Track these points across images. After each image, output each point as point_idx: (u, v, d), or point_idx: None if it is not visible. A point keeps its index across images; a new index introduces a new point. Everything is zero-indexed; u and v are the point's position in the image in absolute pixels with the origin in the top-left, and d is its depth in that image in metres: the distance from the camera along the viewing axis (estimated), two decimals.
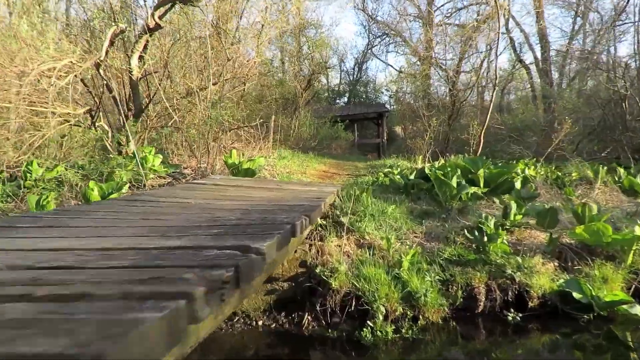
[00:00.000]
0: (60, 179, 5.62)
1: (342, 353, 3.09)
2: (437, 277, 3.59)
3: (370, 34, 29.61)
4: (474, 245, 4.05)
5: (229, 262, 1.02)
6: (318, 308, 3.44)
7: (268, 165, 8.42)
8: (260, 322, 3.47)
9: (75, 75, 7.12)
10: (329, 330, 3.32)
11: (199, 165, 7.73)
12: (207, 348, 3.04)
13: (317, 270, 3.55)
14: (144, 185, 5.42)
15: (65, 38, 7.12)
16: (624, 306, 3.37)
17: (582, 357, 3.13)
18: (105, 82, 7.33)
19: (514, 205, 4.56)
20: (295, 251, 3.67)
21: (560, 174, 7.48)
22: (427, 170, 6.40)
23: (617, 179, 6.70)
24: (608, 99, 13.54)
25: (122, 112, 7.64)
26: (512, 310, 3.54)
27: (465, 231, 4.16)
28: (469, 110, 19.50)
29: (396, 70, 27.23)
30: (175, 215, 2.18)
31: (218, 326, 2.70)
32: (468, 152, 11.13)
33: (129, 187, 5.63)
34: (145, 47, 7.86)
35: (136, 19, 9.17)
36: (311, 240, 3.90)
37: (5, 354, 0.54)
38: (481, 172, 5.91)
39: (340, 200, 4.85)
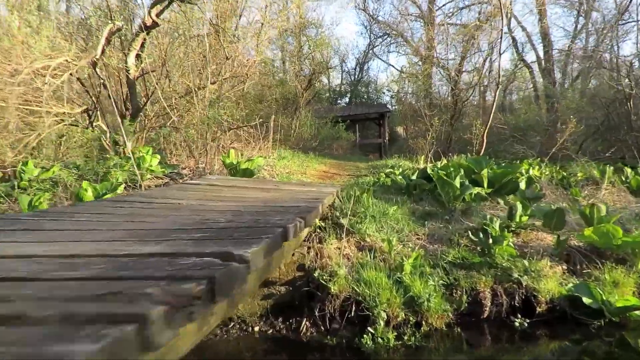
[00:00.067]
0: (55, 180, 5.53)
1: None
2: (441, 281, 3.45)
3: (371, 34, 29.57)
4: (478, 248, 3.90)
5: (203, 272, 0.88)
6: (317, 313, 3.30)
7: (267, 165, 8.29)
8: (256, 328, 3.33)
9: (71, 74, 7.02)
10: (328, 337, 3.18)
11: (197, 166, 7.60)
12: (200, 355, 2.90)
13: (316, 274, 3.40)
14: (140, 186, 5.28)
15: (60, 36, 6.98)
16: (637, 312, 3.21)
17: None
18: (102, 81, 7.22)
19: (519, 206, 4.41)
20: (293, 254, 3.53)
21: (565, 174, 7.33)
22: (429, 171, 6.26)
23: (624, 179, 6.54)
24: (612, 98, 13.38)
25: (118, 111, 7.53)
26: (519, 315, 3.39)
27: (470, 233, 4.01)
28: (471, 110, 19.37)
29: (397, 70, 27.17)
30: (162, 217, 2.04)
31: (204, 337, 2.56)
32: (470, 152, 10.99)
33: (125, 187, 5.52)
34: (142, 45, 7.75)
35: (134, 18, 9.05)
36: (310, 243, 3.76)
37: None
38: (485, 172, 5.75)
39: (340, 201, 4.71)
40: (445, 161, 8.69)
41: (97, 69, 7.10)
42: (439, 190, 5.33)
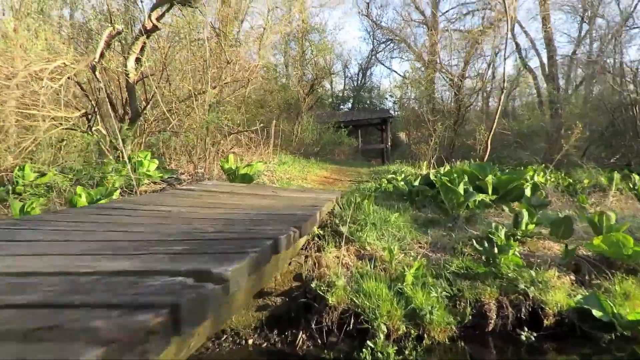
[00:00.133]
0: (50, 185, 5.45)
1: None
2: (444, 292, 3.30)
3: (374, 40, 29.59)
4: (483, 257, 3.75)
5: (167, 298, 0.76)
6: (313, 326, 3.16)
7: (268, 170, 8.18)
8: (250, 341, 3.19)
9: (70, 78, 6.94)
10: (325, 351, 3.03)
11: (196, 171, 7.50)
12: None
13: (313, 285, 3.26)
14: (135, 192, 5.18)
15: (59, 39, 6.92)
16: None
17: None
18: (101, 84, 7.14)
19: (525, 214, 4.26)
20: (290, 263, 3.40)
21: (572, 180, 7.17)
22: (432, 177, 6.12)
23: (632, 186, 6.38)
24: (617, 104, 13.24)
25: (117, 115, 7.45)
26: (525, 328, 3.23)
27: (474, 242, 3.86)
28: (474, 115, 19.25)
29: (400, 75, 27.10)
30: (146, 226, 1.92)
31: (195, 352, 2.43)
32: (474, 157, 10.85)
33: (121, 193, 5.42)
34: (142, 49, 7.67)
35: (134, 22, 8.99)
36: (307, 251, 3.63)
37: None
38: (489, 178, 5.61)
39: (340, 208, 4.58)
40: (448, 167, 8.54)
41: (97, 73, 7.02)
42: (442, 196, 5.19)
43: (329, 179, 9.94)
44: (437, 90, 20.47)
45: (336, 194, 4.91)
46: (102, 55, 7.24)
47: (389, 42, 28.18)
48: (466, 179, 5.68)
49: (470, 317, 3.23)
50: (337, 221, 4.18)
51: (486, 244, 3.72)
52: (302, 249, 3.57)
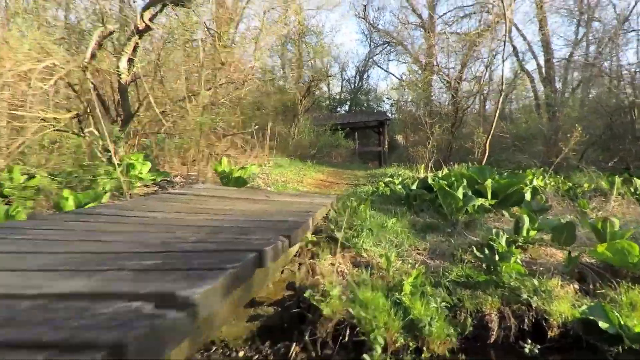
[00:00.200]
0: (38, 187, 5.31)
1: None
2: (444, 302, 3.15)
3: (371, 43, 29.58)
4: (483, 265, 3.60)
5: (112, 335, 0.61)
6: (307, 338, 2.99)
7: (263, 173, 8.03)
8: (241, 353, 3.02)
9: (61, 78, 6.79)
10: None
11: (189, 173, 7.35)
12: None
13: (307, 294, 3.11)
14: (124, 195, 5.02)
15: (49, 39, 6.76)
16: None
17: None
18: (93, 85, 6.99)
19: (526, 219, 4.12)
20: (282, 271, 3.25)
21: (572, 184, 7.06)
22: (430, 180, 5.98)
23: (633, 190, 6.26)
24: (615, 106, 13.18)
25: (109, 117, 7.29)
26: (529, 340, 3.08)
27: (474, 249, 3.72)
28: (472, 118, 19.18)
29: (397, 78, 27.09)
30: (124, 235, 1.77)
31: None
32: (471, 161, 10.75)
33: (112, 196, 5.28)
34: (135, 49, 7.53)
35: (128, 23, 8.85)
36: (301, 259, 3.48)
37: None
38: (489, 182, 5.48)
39: (336, 212, 4.43)
40: (446, 170, 8.43)
41: (88, 73, 6.87)
42: (440, 201, 5.05)
43: (326, 182, 9.80)
44: (435, 93, 20.41)
45: (331, 198, 4.77)
46: (93, 55, 7.10)
47: (386, 45, 28.18)
48: (465, 182, 5.55)
49: (471, 329, 3.08)
50: (332, 227, 4.03)
51: (487, 251, 3.57)
52: (295, 256, 3.42)
